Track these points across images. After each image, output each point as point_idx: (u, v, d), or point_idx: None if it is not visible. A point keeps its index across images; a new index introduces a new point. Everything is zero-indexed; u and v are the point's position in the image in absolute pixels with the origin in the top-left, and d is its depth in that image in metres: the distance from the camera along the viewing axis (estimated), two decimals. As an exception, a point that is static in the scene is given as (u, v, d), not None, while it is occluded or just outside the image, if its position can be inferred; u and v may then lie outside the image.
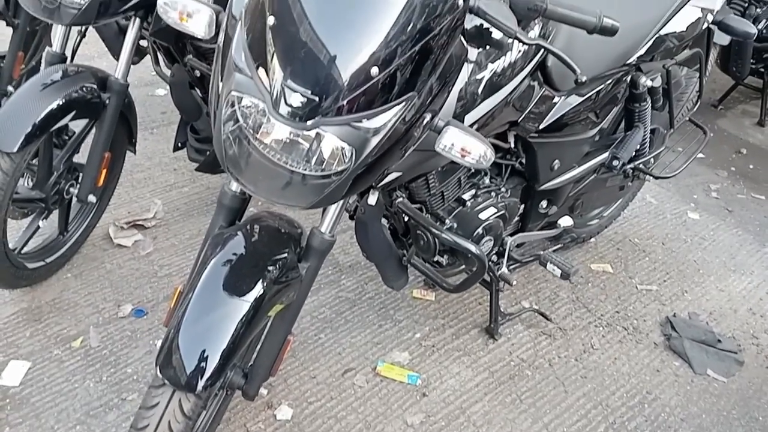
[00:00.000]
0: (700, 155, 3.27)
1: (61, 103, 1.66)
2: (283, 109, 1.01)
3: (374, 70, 1.00)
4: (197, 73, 2.01)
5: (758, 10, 3.08)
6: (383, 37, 1.00)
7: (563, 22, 1.20)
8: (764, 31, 3.16)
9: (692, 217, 2.84)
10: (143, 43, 1.99)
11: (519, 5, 1.16)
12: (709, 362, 2.09)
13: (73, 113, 1.71)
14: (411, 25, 1.02)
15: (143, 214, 2.32)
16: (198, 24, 1.17)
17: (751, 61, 3.29)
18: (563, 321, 2.19)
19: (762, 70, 3.46)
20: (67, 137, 1.89)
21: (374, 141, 1.06)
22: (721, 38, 2.22)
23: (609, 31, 1.20)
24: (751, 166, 3.34)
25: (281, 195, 1.12)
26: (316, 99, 1.00)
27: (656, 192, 2.92)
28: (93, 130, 1.85)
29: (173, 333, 1.16)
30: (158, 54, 2.10)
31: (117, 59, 1.83)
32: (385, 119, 1.05)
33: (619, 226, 2.67)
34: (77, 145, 1.88)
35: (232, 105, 1.07)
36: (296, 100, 1.00)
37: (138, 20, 1.76)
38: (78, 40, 2.06)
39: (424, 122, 1.15)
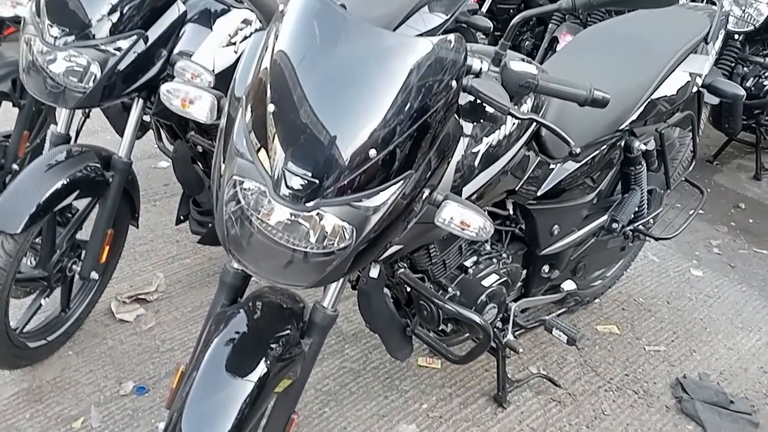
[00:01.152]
0: (699, 211, 3.29)
1: (65, 183, 1.69)
2: (284, 192, 1.02)
3: (372, 152, 1.02)
4: (199, 148, 2.05)
5: (745, 68, 3.16)
6: (380, 119, 1.03)
7: (555, 97, 1.24)
8: (752, 89, 3.23)
9: (695, 274, 2.83)
10: (146, 118, 2.03)
11: (510, 82, 1.20)
12: (722, 425, 2.04)
13: (77, 192, 1.74)
14: (407, 106, 1.05)
15: (145, 287, 2.31)
16: (200, 110, 1.20)
17: (743, 117, 3.35)
18: (572, 386, 2.15)
19: (753, 125, 3.52)
20: (70, 215, 1.91)
21: (374, 219, 1.07)
22: (712, 98, 2.27)
23: (600, 104, 1.23)
24: (750, 221, 3.35)
25: (283, 274, 1.12)
26: (316, 181, 1.02)
27: (658, 250, 2.92)
28: (96, 208, 1.87)
29: (176, 416, 1.14)
30: (161, 130, 2.16)
31: (121, 135, 1.87)
32: (384, 197, 1.07)
33: (623, 286, 2.66)
34: (80, 222, 1.90)
35: (234, 187, 1.09)
36: (296, 182, 1.02)
37: (141, 101, 1.80)
38: (82, 120, 2.11)
39: (423, 197, 1.17)
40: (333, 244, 1.08)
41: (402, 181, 1.08)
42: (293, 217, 1.05)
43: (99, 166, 1.78)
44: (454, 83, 1.10)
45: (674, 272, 2.83)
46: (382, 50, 1.07)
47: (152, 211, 2.77)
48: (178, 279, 2.40)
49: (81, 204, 1.87)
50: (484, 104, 1.23)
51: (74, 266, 1.91)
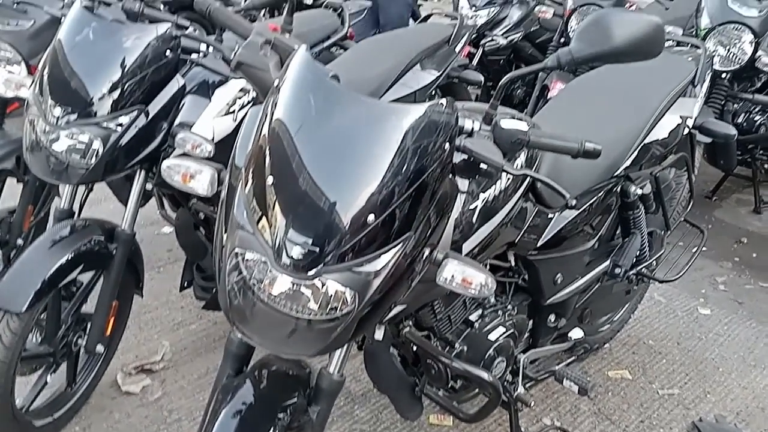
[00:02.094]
0: (702, 249, 3.28)
1: (69, 258, 1.71)
2: (286, 261, 1.04)
3: (371, 217, 1.04)
4: (201, 215, 2.07)
5: (735, 105, 3.21)
6: (377, 184, 1.05)
7: (547, 150, 1.26)
8: (744, 125, 3.27)
9: (703, 313, 2.81)
10: (149, 186, 2.06)
11: (502, 140, 1.22)
12: (744, 469, 2.00)
13: (82, 267, 1.75)
14: (403, 171, 1.07)
15: (151, 357, 2.30)
16: (201, 183, 1.22)
17: (737, 152, 3.38)
18: (587, 436, 2.11)
19: (749, 159, 3.54)
20: (74, 289, 1.92)
21: (376, 282, 1.08)
22: (704, 137, 2.30)
23: (591, 155, 1.25)
24: (754, 255, 3.34)
25: (288, 344, 1.12)
26: (317, 249, 1.03)
27: (664, 290, 2.91)
28: (100, 280, 1.88)
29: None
30: (163, 199, 2.18)
31: (124, 205, 1.90)
32: (384, 261, 1.08)
33: (632, 329, 2.63)
34: (85, 296, 1.90)
35: (236, 258, 1.10)
36: (297, 251, 1.03)
37: (143, 172, 1.84)
38: (85, 194, 2.14)
39: (424, 257, 1.18)
40: (336, 309, 1.08)
41: (402, 243, 1.09)
42: (295, 286, 1.06)
43: (102, 239, 1.80)
44: (447, 145, 1.13)
45: (682, 312, 2.81)
46: (375, 118, 1.10)
47: (156, 278, 2.78)
48: (183, 346, 2.39)
49: (85, 277, 1.87)
50: (478, 162, 1.25)
51: (79, 340, 1.91)
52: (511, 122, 1.24)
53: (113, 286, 1.85)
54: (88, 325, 1.90)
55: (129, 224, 1.83)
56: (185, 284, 2.29)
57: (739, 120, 3.25)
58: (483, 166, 1.28)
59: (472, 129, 1.22)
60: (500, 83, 1.23)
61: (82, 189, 2.08)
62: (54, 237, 1.73)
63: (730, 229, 3.59)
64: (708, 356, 2.53)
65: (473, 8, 3.85)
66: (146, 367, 2.25)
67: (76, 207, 1.96)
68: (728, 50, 2.99)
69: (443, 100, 1.16)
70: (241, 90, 1.90)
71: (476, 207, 1.35)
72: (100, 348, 1.89)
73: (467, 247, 1.36)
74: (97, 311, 1.86)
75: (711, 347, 2.59)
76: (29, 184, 2.26)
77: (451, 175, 1.25)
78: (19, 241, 2.27)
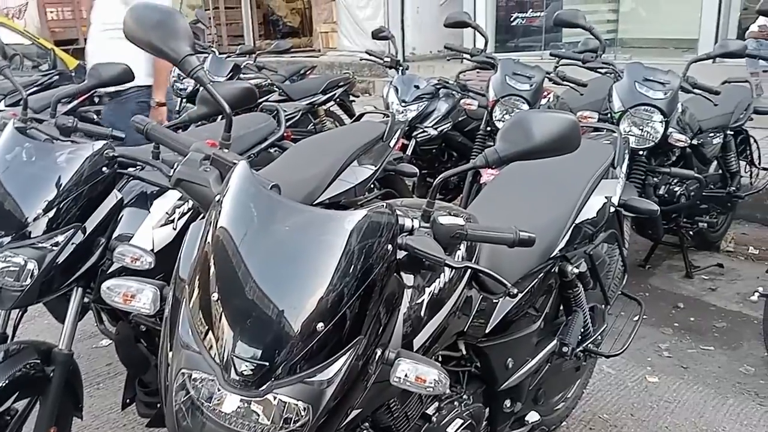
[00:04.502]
0: (643, 317, 3.39)
1: (3, 385, 1.62)
2: (235, 378, 1.02)
3: (320, 325, 1.05)
4: (142, 327, 2.01)
5: (655, 179, 3.42)
6: (323, 291, 1.06)
7: (484, 242, 1.31)
8: (666, 196, 3.47)
9: (652, 381, 2.87)
10: (86, 300, 2.00)
11: (441, 235, 1.27)
12: None
13: (17, 394, 1.66)
14: (348, 276, 1.09)
15: (93, 484, 2.15)
16: (143, 302, 1.21)
17: (663, 222, 3.57)
18: None
19: (674, 227, 3.74)
20: (8, 417, 1.80)
21: (329, 391, 1.07)
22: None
23: (527, 243, 1.31)
24: (692, 319, 3.46)
25: (242, 465, 1.08)
26: (267, 363, 1.02)
27: (611, 362, 2.95)
28: (37, 406, 1.78)
29: None
30: (101, 313, 2.11)
31: (60, 322, 1.83)
32: (336, 368, 1.08)
33: (586, 404, 2.65)
34: (21, 424, 1.79)
35: (182, 377, 1.07)
36: (246, 367, 1.02)
37: (80, 289, 1.79)
38: (19, 316, 2.05)
39: (376, 357, 1.18)
40: (291, 422, 1.06)
41: (353, 348, 1.10)
42: (245, 404, 1.04)
43: (39, 361, 1.72)
44: (389, 247, 1.16)
45: (631, 382, 2.86)
46: (319, 226, 1.13)
47: (96, 395, 2.64)
48: (128, 468, 2.25)
49: (20, 404, 1.77)
50: (421, 257, 1.29)
51: (15, 474, 1.78)
52: (448, 218, 1.29)
53: (51, 411, 1.75)
54: (24, 457, 1.78)
55: (67, 344, 1.76)
56: (127, 401, 2.18)
57: (661, 192, 3.45)
58: (427, 262, 1.32)
59: (412, 227, 1.26)
60: (434, 183, 1.29)
61: (15, 311, 2.00)
62: (-14, 365, 1.65)
63: (666, 295, 3.73)
64: (661, 425, 2.57)
65: (403, 103, 4.03)
66: (88, 496, 2.10)
67: (9, 330, 1.87)
68: (642, 129, 3.22)
69: (382, 203, 1.20)
70: (180, 199, 1.91)
71: (423, 301, 1.37)
72: (38, 481, 1.76)
73: (418, 341, 1.37)
74: (34, 440, 1.75)
75: (663, 415, 2.63)
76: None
77: (396, 273, 1.28)
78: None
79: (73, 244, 1.66)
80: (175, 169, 1.28)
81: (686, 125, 3.39)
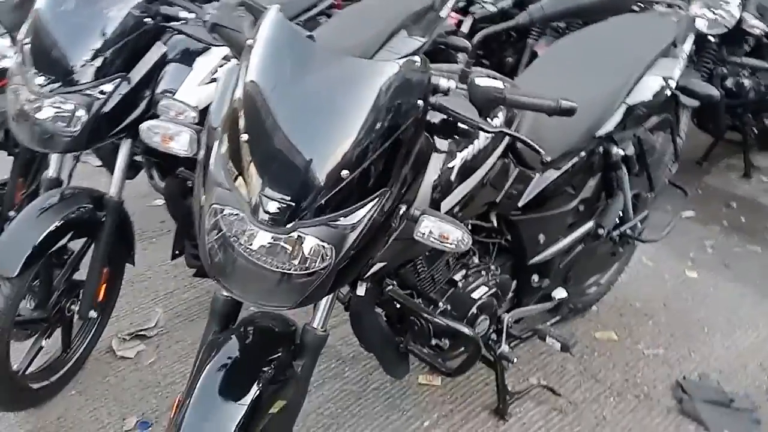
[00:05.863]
0: (691, 213, 3.31)
1: (58, 225, 1.73)
2: (263, 217, 1.06)
3: (345, 173, 1.06)
4: (189, 183, 2.09)
5: (724, 69, 3.21)
6: (351, 140, 1.07)
7: (522, 108, 1.28)
8: (733, 89, 3.27)
9: (691, 276, 2.85)
10: (139, 158, 2.08)
11: (478, 98, 1.24)
12: (725, 423, 2.04)
13: (71, 234, 1.78)
14: (376, 127, 1.09)
15: (145, 324, 2.34)
16: (180, 144, 1.24)
17: (727, 117, 3.39)
18: (573, 394, 2.16)
19: (738, 124, 3.55)
20: (66, 256, 1.94)
21: (352, 236, 1.11)
22: (692, 101, 2.31)
23: (568, 113, 1.26)
24: (743, 219, 3.37)
25: (268, 297, 1.15)
26: (293, 204, 1.05)
27: (652, 254, 2.94)
28: (91, 248, 1.91)
29: (172, 443, 1.17)
30: (152, 169, 2.20)
31: (111, 172, 1.92)
32: (360, 215, 1.11)
33: (619, 292, 2.67)
34: (76, 263, 1.93)
35: (215, 215, 1.13)
36: (274, 207, 1.06)
37: (129, 140, 1.85)
38: (74, 164, 2.15)
39: (400, 213, 1.20)
40: (314, 264, 1.11)
41: (377, 198, 1.12)
42: (274, 240, 1.08)
43: (91, 206, 1.82)
44: (420, 102, 1.15)
45: (669, 275, 2.85)
46: (349, 75, 1.12)
47: (150, 249, 2.81)
48: (177, 313, 2.43)
49: (76, 245, 1.90)
50: (456, 121, 1.27)
51: (73, 306, 1.94)
52: (486, 80, 1.25)
53: (103, 253, 1.88)
54: (81, 292, 1.93)
55: (116, 191, 1.85)
56: (177, 253, 2.32)
57: (728, 84, 3.25)
58: (460, 125, 1.31)
59: (448, 88, 1.23)
60: (473, 40, 1.24)
61: (70, 159, 2.10)
62: (43, 205, 1.76)
63: (719, 193, 3.61)
64: (694, 317, 2.58)
65: (462, -26, 3.81)
66: (140, 334, 2.29)
67: (64, 176, 1.98)
68: (715, 12, 2.98)
69: (416, 57, 1.18)
70: (224, 58, 1.91)
71: (454, 166, 1.37)
72: (93, 314, 1.92)
73: (446, 205, 1.39)
74: (89, 278, 1.89)
75: (697, 309, 2.63)
76: (19, 156, 2.28)
77: (428, 135, 1.27)
78: (11, 214, 2.29)
79: (119, 94, 1.70)
80: (210, 14, 1.28)
81: (765, 11, 3.12)
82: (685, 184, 2.55)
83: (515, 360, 1.83)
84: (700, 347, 2.41)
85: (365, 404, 2.07)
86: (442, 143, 1.34)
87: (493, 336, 1.87)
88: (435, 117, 1.27)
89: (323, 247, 1.09)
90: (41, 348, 1.95)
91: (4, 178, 2.34)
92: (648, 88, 1.96)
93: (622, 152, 1.96)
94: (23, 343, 1.95)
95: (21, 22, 1.76)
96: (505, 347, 1.83)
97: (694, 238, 3.15)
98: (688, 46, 2.11)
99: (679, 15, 2.18)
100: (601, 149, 1.95)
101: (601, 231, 1.96)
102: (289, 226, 1.06)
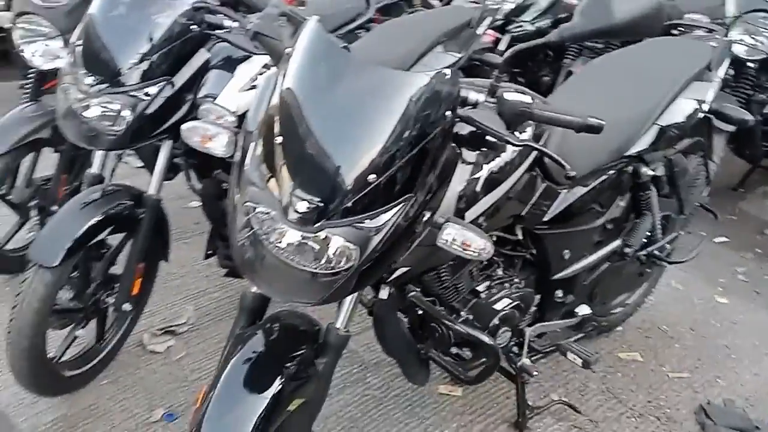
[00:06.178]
0: (724, 239, 3.27)
1: (99, 219, 1.81)
2: (293, 216, 1.11)
3: (372, 177, 1.10)
4: (225, 185, 2.16)
5: (762, 96, 3.17)
6: (380, 147, 1.11)
7: (550, 124, 1.31)
8: (772, 115, 3.23)
9: (720, 301, 2.81)
10: (178, 160, 2.16)
11: (506, 112, 1.26)
12: (748, 451, 2.02)
13: (110, 229, 1.85)
14: (405, 135, 1.13)
15: (176, 320, 2.41)
16: (218, 145, 1.30)
17: (764, 143, 3.35)
18: (594, 413, 2.15)
19: (776, 151, 3.50)
20: (104, 250, 2.02)
21: (377, 239, 1.15)
22: (727, 126, 2.30)
23: (594, 130, 1.28)
24: (777, 247, 3.31)
25: (293, 293, 1.20)
26: (322, 205, 1.10)
27: (681, 277, 2.91)
28: (129, 243, 1.99)
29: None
30: (190, 171, 2.28)
31: (151, 172, 1.99)
32: (385, 218, 1.14)
33: (646, 314, 2.65)
34: (114, 257, 2.01)
35: (247, 213, 1.18)
36: (303, 206, 1.10)
37: (169, 142, 1.93)
38: (116, 163, 2.25)
39: (424, 219, 1.24)
40: (339, 264, 1.15)
41: (402, 203, 1.16)
42: (302, 238, 1.13)
43: (131, 203, 1.90)
44: (448, 113, 1.18)
45: (699, 300, 2.82)
46: (381, 84, 1.16)
47: (183, 248, 2.89)
48: (207, 312, 2.49)
49: (115, 240, 1.98)
50: (483, 133, 1.30)
51: (108, 299, 2.02)
52: (514, 95, 1.28)
53: (140, 249, 1.95)
54: (116, 285, 2.01)
55: (156, 190, 1.93)
56: (209, 253, 2.39)
57: (766, 110, 3.21)
58: (488, 138, 1.34)
59: (477, 101, 1.27)
60: (504, 56, 1.28)
61: (112, 157, 2.19)
62: (85, 199, 1.84)
63: (754, 220, 3.56)
64: (721, 343, 2.54)
65: (501, -7, 3.86)
66: (171, 329, 2.36)
67: (106, 174, 2.06)
68: (755, 39, 2.96)
69: (447, 70, 1.22)
70: (264, 66, 1.98)
71: (480, 177, 1.41)
72: (127, 307, 2.00)
73: (471, 215, 1.42)
74: (125, 272, 1.97)
75: (725, 334, 2.60)
76: (64, 153, 2.38)
77: (456, 146, 1.31)
78: (54, 208, 2.39)
79: (163, 96, 1.78)
80: (252, 23, 1.34)
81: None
82: (719, 210, 2.53)
83: (536, 374, 1.84)
84: (727, 373, 2.38)
85: (385, 410, 2.09)
86: (469, 155, 1.37)
87: (515, 349, 1.88)
88: (463, 129, 1.30)
89: (348, 247, 1.13)
90: (76, 337, 2.03)
91: (48, 174, 2.45)
92: (680, 111, 1.97)
93: (651, 172, 1.97)
94: (59, 332, 2.04)
95: (74, 25, 1.85)
96: (525, 360, 1.84)
97: (725, 263, 3.11)
98: (722, 70, 2.11)
99: (716, 40, 2.18)
100: (630, 169, 1.96)
101: (627, 250, 1.96)
102: (317, 225, 1.11)
